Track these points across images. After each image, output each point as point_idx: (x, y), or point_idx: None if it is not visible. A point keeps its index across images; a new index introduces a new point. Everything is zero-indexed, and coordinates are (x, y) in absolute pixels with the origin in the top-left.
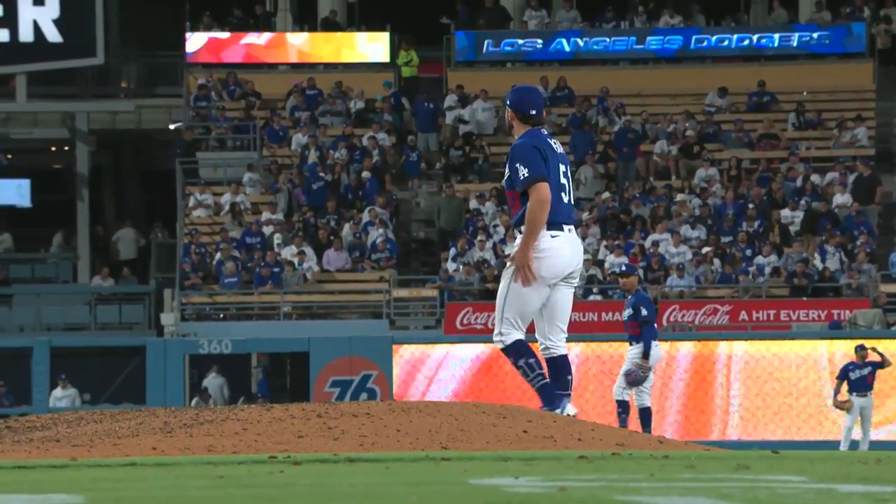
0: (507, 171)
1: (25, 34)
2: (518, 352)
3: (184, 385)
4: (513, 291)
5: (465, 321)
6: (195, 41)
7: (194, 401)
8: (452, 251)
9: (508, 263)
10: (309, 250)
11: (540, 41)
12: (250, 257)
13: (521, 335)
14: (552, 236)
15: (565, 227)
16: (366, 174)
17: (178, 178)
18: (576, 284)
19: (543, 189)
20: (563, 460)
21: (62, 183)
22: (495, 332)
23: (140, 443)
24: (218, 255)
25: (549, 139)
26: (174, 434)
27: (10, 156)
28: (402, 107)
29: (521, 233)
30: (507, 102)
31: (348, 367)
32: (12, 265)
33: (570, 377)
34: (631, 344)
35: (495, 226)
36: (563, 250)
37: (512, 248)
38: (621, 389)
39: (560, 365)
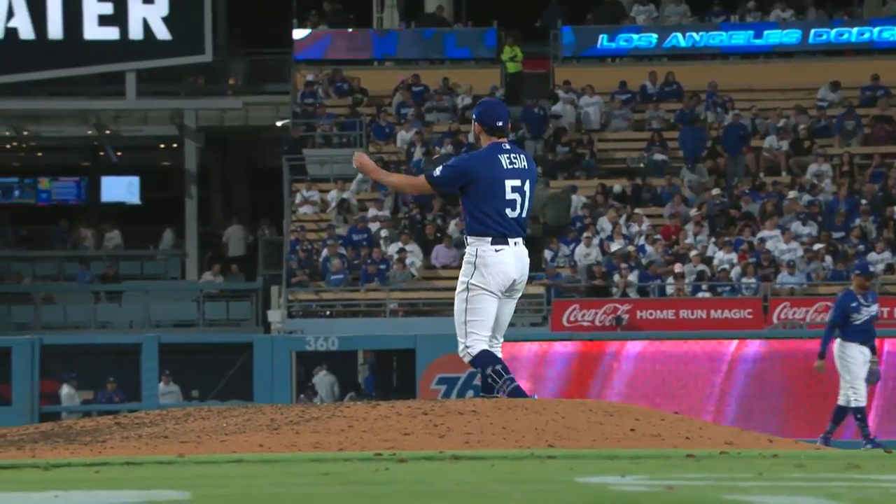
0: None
1: (135, 32)
2: (485, 361)
3: (290, 382)
4: (471, 305)
5: (571, 318)
6: (302, 38)
7: (300, 397)
8: (561, 246)
9: (460, 282)
10: (415, 247)
11: (655, 35)
12: (357, 254)
13: (485, 345)
14: (496, 250)
15: (510, 241)
16: None
17: (284, 174)
18: (518, 296)
19: (419, 182)
20: (670, 459)
21: (171, 180)
22: (460, 346)
23: (247, 440)
24: (324, 252)
25: (510, 153)
26: (280, 431)
27: (119, 153)
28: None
29: (466, 243)
30: (474, 116)
31: (455, 364)
32: (122, 262)
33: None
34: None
35: (602, 223)
36: (507, 263)
37: (465, 254)
38: (853, 395)
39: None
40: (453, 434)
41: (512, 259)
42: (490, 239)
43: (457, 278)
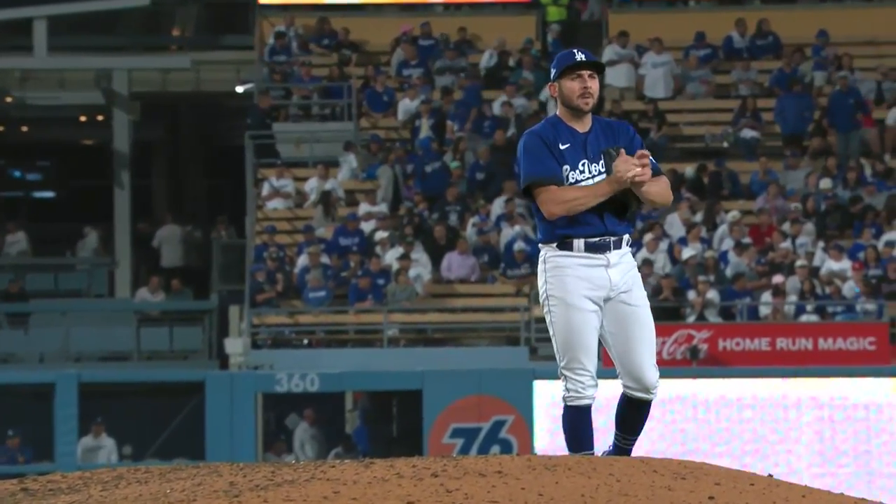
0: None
1: None
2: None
3: (256, 433)
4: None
5: None
6: None
7: (268, 454)
8: None
9: (644, 293)
10: (422, 254)
11: None
12: (345, 263)
13: None
14: None
15: None
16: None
17: (248, 157)
18: None
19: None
20: None
21: (95, 164)
22: (658, 377)
23: None
24: (302, 261)
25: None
26: (243, 499)
27: (26, 128)
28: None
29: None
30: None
31: (475, 410)
32: (29, 274)
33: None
34: None
35: (671, 221)
36: None
37: (626, 254)
38: None
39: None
40: (472, 503)
41: None
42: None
43: (477, 295)
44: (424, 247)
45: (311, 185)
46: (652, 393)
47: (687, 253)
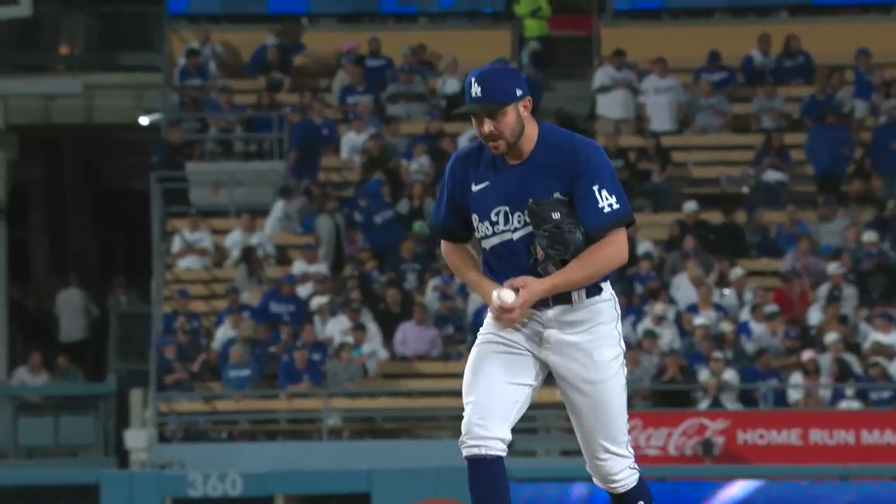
0: (556, 197)
1: None
2: (646, 490)
3: None
4: (622, 395)
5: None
6: None
7: None
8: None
9: (611, 354)
10: (371, 324)
11: None
12: (275, 335)
13: None
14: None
15: None
16: None
17: (154, 204)
18: None
19: (622, 241)
20: None
21: None
22: (622, 466)
23: None
24: (221, 333)
25: None
26: None
27: None
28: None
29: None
30: (519, 90)
31: None
32: None
33: None
34: None
35: (679, 283)
36: None
37: (592, 307)
38: None
39: None
40: None
41: None
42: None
43: (439, 376)
44: (373, 315)
45: (233, 240)
46: (615, 486)
47: (698, 322)
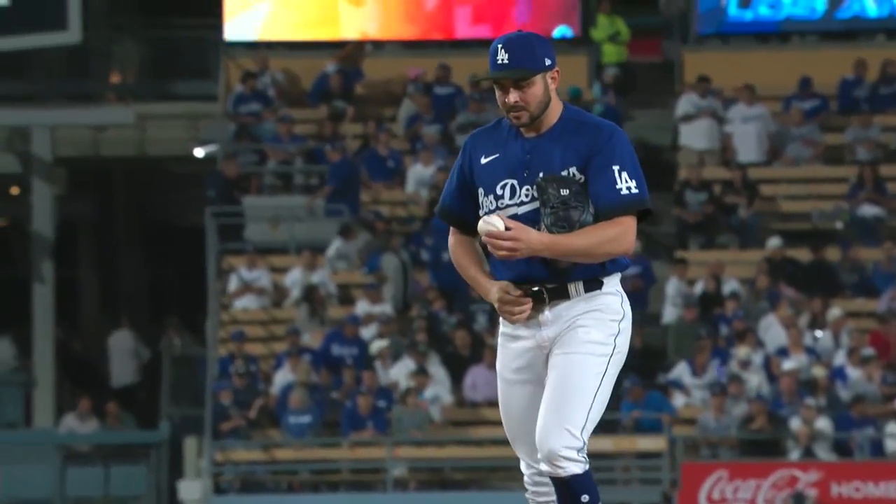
0: (569, 174)
1: None
2: (594, 489)
3: None
4: (606, 383)
5: (715, 496)
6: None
7: None
8: (683, 366)
9: (599, 340)
10: (438, 369)
11: None
12: (337, 380)
13: None
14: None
15: None
16: None
17: (209, 241)
18: None
19: (630, 225)
20: None
21: (9, 250)
22: (569, 444)
23: None
24: (280, 377)
25: None
26: None
27: None
28: (611, 111)
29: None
30: (548, 60)
31: None
32: None
33: None
34: None
35: (767, 325)
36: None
37: (597, 296)
38: None
39: None
40: None
41: None
42: (620, 276)
43: None
44: (441, 359)
45: (293, 278)
46: (558, 466)
47: (788, 366)
